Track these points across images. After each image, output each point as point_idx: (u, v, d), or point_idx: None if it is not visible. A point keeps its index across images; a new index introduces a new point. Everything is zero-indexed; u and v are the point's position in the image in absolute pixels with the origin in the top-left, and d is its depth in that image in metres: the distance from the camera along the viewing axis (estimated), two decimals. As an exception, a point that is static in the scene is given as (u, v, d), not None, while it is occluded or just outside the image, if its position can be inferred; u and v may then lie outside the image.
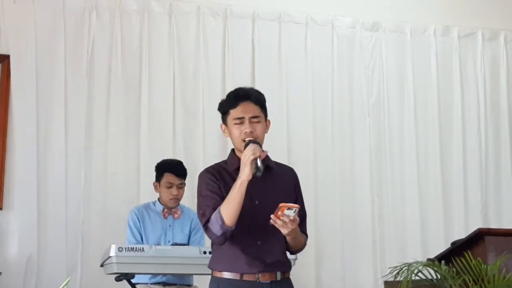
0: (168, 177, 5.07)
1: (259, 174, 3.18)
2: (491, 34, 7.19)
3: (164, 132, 6.20)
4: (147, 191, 5.77)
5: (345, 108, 6.72)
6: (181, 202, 5.17)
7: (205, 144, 6.23)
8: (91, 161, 6.01)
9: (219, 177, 3.36)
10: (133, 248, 4.43)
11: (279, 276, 3.34)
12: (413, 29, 6.98)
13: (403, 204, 6.72)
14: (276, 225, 3.17)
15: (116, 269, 4.43)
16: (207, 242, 4.55)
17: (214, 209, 3.26)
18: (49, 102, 5.97)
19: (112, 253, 4.38)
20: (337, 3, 6.84)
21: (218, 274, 3.34)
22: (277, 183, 3.39)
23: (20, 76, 5.91)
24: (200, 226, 4.93)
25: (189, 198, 5.15)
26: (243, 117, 3.32)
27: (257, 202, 3.29)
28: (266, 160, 3.38)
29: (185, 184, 5.12)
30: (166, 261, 4.47)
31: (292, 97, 6.58)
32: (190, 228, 5.10)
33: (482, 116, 7.04)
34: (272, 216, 3.14)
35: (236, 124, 3.33)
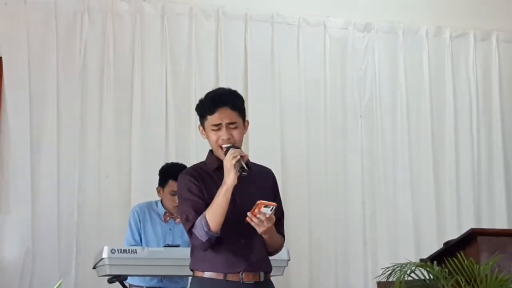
0: (172, 185, 4.88)
1: (244, 174, 3.18)
2: (483, 34, 7.21)
3: (157, 133, 6.20)
4: (139, 193, 5.78)
5: (337, 109, 6.73)
6: None
7: (198, 145, 6.21)
8: (84, 164, 6.00)
9: (200, 178, 3.35)
10: (126, 250, 4.42)
11: (262, 276, 3.33)
12: (406, 30, 6.99)
13: (395, 205, 6.73)
14: (252, 223, 3.17)
15: (108, 271, 4.43)
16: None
17: (197, 212, 3.25)
18: (42, 105, 5.96)
19: (105, 255, 4.37)
20: (329, 4, 6.84)
21: (200, 274, 3.32)
22: (256, 183, 3.38)
23: (12, 78, 5.90)
24: None
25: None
26: (220, 124, 3.32)
27: (238, 201, 3.27)
28: (247, 160, 3.38)
29: None
30: (159, 263, 4.46)
31: (284, 98, 6.58)
32: None
33: (474, 116, 7.06)
34: (248, 213, 3.16)
35: (214, 130, 3.33)
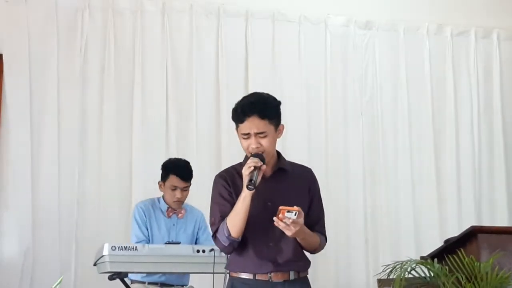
0: (173, 180, 4.99)
1: (250, 187, 3.21)
2: (484, 32, 7.20)
3: (157, 131, 6.20)
4: (140, 190, 5.78)
5: (338, 106, 6.73)
6: (186, 200, 5.13)
7: (198, 142, 6.23)
8: (84, 160, 6.01)
9: (231, 182, 3.41)
10: (126, 247, 4.43)
11: (292, 275, 3.38)
12: (406, 27, 6.99)
13: (397, 202, 6.74)
14: (280, 227, 3.21)
15: (109, 268, 4.43)
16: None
17: (223, 217, 3.33)
18: (42, 102, 5.96)
19: (105, 252, 4.38)
20: (330, 1, 6.84)
21: (233, 274, 3.41)
22: (290, 185, 3.42)
23: (13, 75, 5.90)
24: (205, 224, 4.95)
25: (193, 197, 5.14)
26: (249, 133, 3.36)
27: (269, 204, 3.32)
28: (280, 162, 3.46)
29: (190, 185, 5.06)
30: (160, 260, 4.47)
31: (285, 96, 6.54)
32: (194, 228, 5.07)
33: (475, 114, 7.06)
34: (275, 218, 3.19)
35: (244, 138, 3.37)
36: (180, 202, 5.05)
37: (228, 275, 3.46)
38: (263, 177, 3.31)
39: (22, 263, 5.68)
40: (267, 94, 3.53)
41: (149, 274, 4.92)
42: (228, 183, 3.41)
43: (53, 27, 6.05)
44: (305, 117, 6.60)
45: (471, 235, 4.55)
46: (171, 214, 5.06)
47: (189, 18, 6.41)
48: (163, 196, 5.11)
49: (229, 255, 3.47)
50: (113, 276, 4.56)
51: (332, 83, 6.72)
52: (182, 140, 6.23)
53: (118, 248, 4.40)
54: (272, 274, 3.33)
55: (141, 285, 4.94)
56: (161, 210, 5.07)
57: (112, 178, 6.02)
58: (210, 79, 6.39)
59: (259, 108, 3.39)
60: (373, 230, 6.62)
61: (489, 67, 7.20)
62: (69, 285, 5.72)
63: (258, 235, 3.33)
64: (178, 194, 5.00)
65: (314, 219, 3.40)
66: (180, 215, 5.06)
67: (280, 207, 3.16)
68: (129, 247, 4.44)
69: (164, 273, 4.91)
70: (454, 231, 5.85)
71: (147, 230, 4.98)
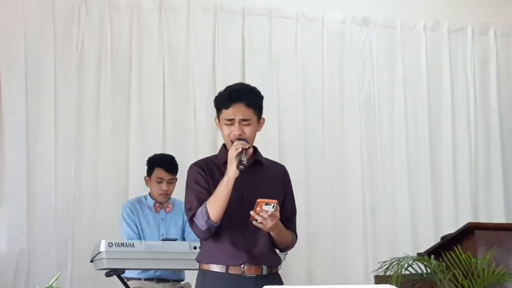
0: (158, 172, 5.06)
1: (241, 167, 3.19)
2: (480, 29, 7.20)
3: (154, 127, 6.20)
4: (137, 186, 5.77)
5: (335, 103, 6.73)
6: (173, 195, 5.16)
7: (196, 139, 6.23)
8: (81, 157, 6.00)
9: (208, 170, 3.38)
10: (123, 243, 4.43)
11: (265, 270, 3.34)
12: (403, 24, 6.99)
13: (394, 198, 6.74)
14: (255, 223, 3.19)
15: (106, 264, 4.43)
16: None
17: (200, 203, 3.29)
18: (39, 98, 5.95)
19: (102, 248, 4.38)
20: (327, -2, 6.85)
21: (204, 267, 3.36)
22: (266, 178, 3.40)
23: (9, 71, 5.89)
24: None
25: (181, 192, 5.13)
26: (233, 119, 3.33)
27: (245, 195, 3.30)
28: (257, 155, 3.43)
29: (176, 179, 5.09)
30: (156, 256, 4.47)
31: (282, 92, 6.58)
32: (183, 221, 5.08)
33: (472, 110, 7.06)
34: (251, 212, 3.17)
35: (227, 124, 3.35)
36: (167, 195, 5.09)
37: (199, 268, 3.41)
38: None
39: (19, 260, 5.67)
40: (253, 86, 3.50)
41: (144, 270, 4.92)
42: (204, 171, 3.38)
43: (49, 23, 6.03)
44: (302, 113, 6.60)
45: (468, 231, 4.56)
46: (158, 209, 5.09)
47: (186, 15, 6.40)
48: (149, 193, 5.14)
49: (202, 245, 3.41)
50: (110, 272, 4.56)
51: (329, 80, 6.72)
52: (179, 137, 6.23)
53: (115, 244, 4.40)
54: (245, 267, 3.29)
55: (137, 281, 4.94)
56: (148, 206, 5.11)
57: (109, 175, 6.01)
58: (207, 75, 6.39)
59: (246, 95, 3.38)
60: (371, 226, 6.62)
61: (486, 64, 7.19)
62: (65, 282, 5.71)
63: (233, 226, 3.29)
64: (164, 186, 5.04)
65: (288, 215, 3.36)
66: (167, 209, 5.09)
67: (258, 200, 3.13)
68: (126, 243, 4.44)
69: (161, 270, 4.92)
70: (451, 228, 5.86)
71: (137, 227, 5.00)
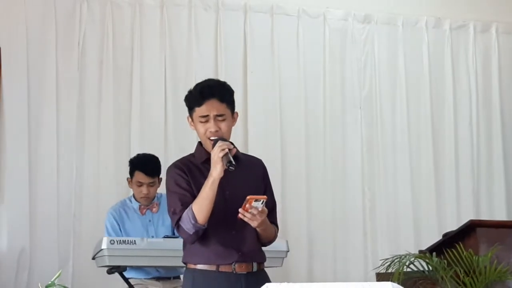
0: (138, 176, 4.96)
1: (231, 168, 3.16)
2: (482, 26, 7.19)
3: (156, 124, 6.19)
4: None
5: (337, 100, 6.72)
6: (159, 190, 5.08)
7: (197, 138, 6.20)
8: (82, 154, 5.99)
9: (188, 171, 3.34)
10: (125, 240, 4.43)
11: (255, 267, 3.33)
12: (405, 21, 6.98)
13: (395, 196, 6.74)
14: (245, 219, 3.16)
15: (108, 261, 4.43)
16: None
17: (184, 206, 3.25)
18: (40, 95, 5.94)
19: (104, 245, 4.38)
20: (329, -5, 6.84)
21: (192, 266, 3.33)
22: (246, 174, 3.37)
23: (11, 68, 5.88)
24: None
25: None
26: (207, 115, 3.31)
27: (227, 193, 3.28)
28: (234, 151, 3.38)
29: (160, 179, 5.00)
30: (158, 254, 4.47)
31: (284, 90, 6.58)
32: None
33: (474, 108, 7.05)
34: (240, 210, 3.14)
35: (201, 122, 3.33)
36: (148, 198, 5.00)
37: (185, 268, 3.38)
38: None
39: (20, 258, 5.67)
40: (223, 81, 3.47)
41: (144, 271, 4.92)
42: (185, 172, 3.34)
43: (51, 20, 6.02)
44: (304, 110, 6.60)
45: (470, 229, 4.56)
46: (144, 211, 5.04)
47: (187, 12, 6.39)
48: (133, 195, 5.09)
49: (186, 247, 3.37)
50: (112, 270, 4.56)
51: (330, 77, 6.72)
52: (181, 134, 6.21)
53: (117, 242, 4.40)
54: (236, 265, 3.27)
55: (138, 279, 4.92)
56: (134, 209, 5.05)
57: (110, 172, 6.00)
58: (208, 72, 6.36)
59: (219, 91, 3.36)
60: (372, 224, 6.62)
61: (487, 61, 7.19)
62: (67, 279, 5.70)
63: (219, 225, 3.25)
64: (144, 190, 4.95)
65: (268, 208, 3.28)
66: (154, 209, 5.03)
67: (248, 197, 3.11)
68: (128, 240, 4.44)
69: (159, 269, 4.90)
70: (453, 225, 5.87)
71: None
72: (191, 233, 3.22)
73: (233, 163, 3.16)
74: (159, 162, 5.06)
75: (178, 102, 6.25)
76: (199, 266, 3.30)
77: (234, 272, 3.27)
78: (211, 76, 6.29)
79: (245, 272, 3.29)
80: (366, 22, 6.89)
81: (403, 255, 4.33)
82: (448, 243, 4.52)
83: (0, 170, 5.79)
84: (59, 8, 6.06)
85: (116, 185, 6.00)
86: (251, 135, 6.30)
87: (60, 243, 5.81)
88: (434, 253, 4.42)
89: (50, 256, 5.74)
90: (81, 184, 5.95)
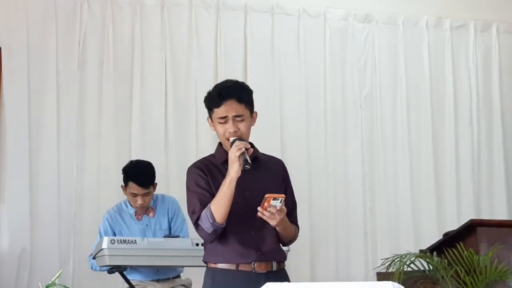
0: (132, 187, 4.90)
1: (247, 167, 3.18)
2: (483, 25, 7.19)
3: (156, 124, 6.19)
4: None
5: (337, 100, 6.72)
6: (159, 191, 5.07)
7: (198, 137, 6.22)
8: (83, 154, 5.99)
9: (207, 171, 3.37)
10: (126, 240, 4.43)
11: (275, 266, 3.35)
12: (406, 20, 6.98)
13: (396, 195, 6.74)
14: (264, 217, 3.18)
15: (108, 261, 4.43)
16: (191, 230, 4.48)
17: (203, 205, 3.28)
18: (41, 95, 5.94)
19: (104, 245, 4.38)
20: (329, -6, 6.84)
21: (213, 265, 3.35)
22: (266, 174, 3.40)
23: (12, 68, 5.88)
24: (177, 211, 4.92)
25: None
26: (226, 116, 3.33)
27: (247, 193, 3.30)
28: (254, 151, 3.42)
29: (155, 185, 4.96)
30: (159, 253, 4.47)
31: (284, 89, 6.58)
32: (168, 219, 5.01)
33: (475, 107, 7.05)
34: (259, 208, 3.16)
35: (220, 123, 3.35)
36: (143, 207, 4.97)
37: (206, 267, 3.40)
38: None
39: (21, 258, 5.67)
40: (242, 81, 3.49)
41: (143, 274, 4.92)
42: (204, 172, 3.36)
43: (52, 20, 6.03)
44: (304, 110, 6.60)
45: (470, 228, 4.56)
46: (140, 217, 5.02)
47: (188, 11, 6.40)
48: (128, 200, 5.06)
49: (207, 247, 3.39)
50: (112, 269, 4.56)
51: (331, 77, 6.72)
52: (181, 134, 6.22)
53: (117, 241, 4.40)
54: (255, 264, 3.29)
55: (137, 281, 4.92)
56: (130, 214, 5.04)
57: (111, 172, 5.99)
58: (209, 72, 6.38)
59: (237, 92, 3.37)
60: (372, 223, 6.62)
61: (488, 60, 7.19)
62: (68, 279, 5.71)
63: (239, 224, 3.28)
64: (139, 200, 4.91)
65: (289, 209, 3.31)
66: (150, 214, 5.01)
67: (266, 195, 3.13)
68: (128, 240, 4.44)
69: (158, 268, 4.90)
70: (453, 225, 5.86)
71: None
72: (210, 232, 3.25)
73: (249, 162, 3.19)
74: (153, 170, 4.99)
75: (179, 102, 6.28)
76: (220, 265, 3.32)
77: (253, 271, 3.29)
78: (211, 76, 6.34)
79: (264, 271, 3.30)
80: (366, 22, 6.89)
81: (403, 254, 4.33)
82: (449, 243, 4.52)
83: (1, 170, 5.79)
84: (59, 8, 6.06)
85: (116, 185, 5.99)
86: (251, 135, 6.28)
87: (61, 243, 5.81)
88: (434, 253, 4.42)
89: (51, 256, 5.75)
90: (81, 184, 5.95)
